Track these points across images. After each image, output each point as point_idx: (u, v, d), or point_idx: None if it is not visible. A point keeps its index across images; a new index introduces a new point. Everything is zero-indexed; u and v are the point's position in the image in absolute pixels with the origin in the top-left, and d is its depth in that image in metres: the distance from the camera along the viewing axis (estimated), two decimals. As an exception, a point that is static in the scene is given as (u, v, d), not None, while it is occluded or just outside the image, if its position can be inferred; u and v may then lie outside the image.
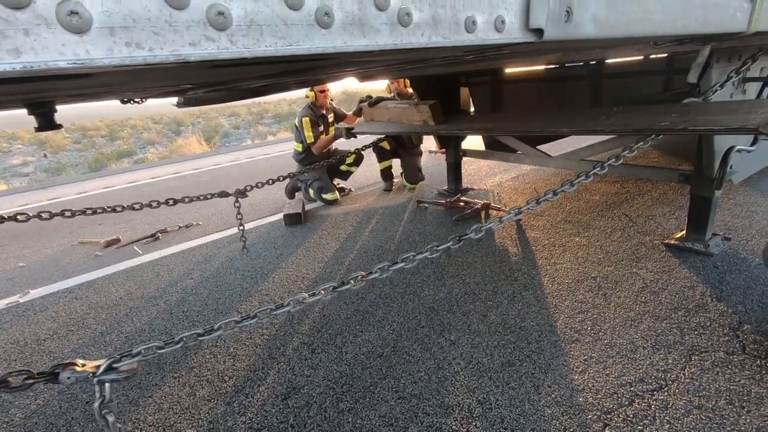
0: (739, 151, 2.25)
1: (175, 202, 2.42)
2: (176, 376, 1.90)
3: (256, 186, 2.81)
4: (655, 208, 3.24)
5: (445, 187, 4.34)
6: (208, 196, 2.59)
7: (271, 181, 2.86)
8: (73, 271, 3.25)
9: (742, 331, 1.81)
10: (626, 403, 1.50)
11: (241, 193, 2.68)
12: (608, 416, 1.46)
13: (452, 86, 3.67)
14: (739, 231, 2.73)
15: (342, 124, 4.26)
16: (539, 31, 0.70)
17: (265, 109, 33.22)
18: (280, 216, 3.98)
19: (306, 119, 4.32)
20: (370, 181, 4.93)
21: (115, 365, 1.17)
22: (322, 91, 4.32)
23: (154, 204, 2.36)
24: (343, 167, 4.58)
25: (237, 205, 2.69)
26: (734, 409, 1.43)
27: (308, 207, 4.31)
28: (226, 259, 3.16)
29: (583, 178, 1.80)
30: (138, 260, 3.34)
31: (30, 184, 9.50)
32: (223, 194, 2.63)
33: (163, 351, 1.27)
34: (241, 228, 2.71)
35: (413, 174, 4.60)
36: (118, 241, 3.79)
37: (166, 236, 3.87)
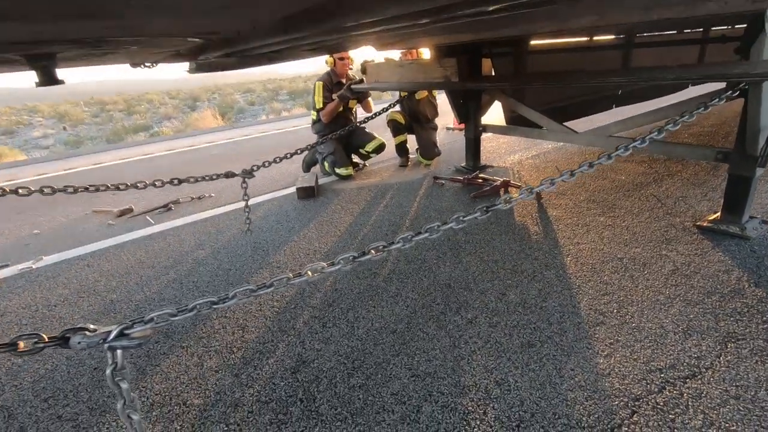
0: (789, 126, 2.06)
1: (180, 181, 2.34)
2: (184, 345, 1.86)
3: (263, 165, 2.71)
4: (686, 190, 3.06)
5: (463, 164, 4.19)
6: (214, 177, 2.50)
7: (278, 159, 2.76)
8: (86, 239, 3.24)
9: (783, 318, 1.68)
10: (656, 390, 1.41)
11: (248, 173, 2.59)
12: (636, 403, 1.36)
13: (474, 56, 3.48)
14: (779, 214, 2.56)
15: (345, 90, 4.09)
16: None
17: (280, 86, 33.01)
18: (293, 189, 3.90)
19: (320, 84, 4.21)
20: (385, 157, 4.80)
21: (126, 331, 1.12)
22: (342, 59, 4.17)
23: (158, 183, 2.29)
24: (363, 151, 4.46)
25: (244, 186, 2.60)
26: (776, 401, 1.32)
27: (322, 181, 4.22)
28: (238, 231, 3.11)
29: (621, 150, 1.67)
30: (150, 230, 3.31)
31: (49, 156, 9.60)
32: (230, 174, 2.54)
33: (176, 318, 1.21)
34: (247, 210, 2.62)
35: (429, 149, 4.46)
36: (130, 210, 3.77)
37: (178, 207, 3.83)
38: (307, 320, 1.96)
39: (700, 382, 1.42)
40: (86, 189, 2.38)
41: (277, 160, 2.78)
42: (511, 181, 3.47)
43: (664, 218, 2.66)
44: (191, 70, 2.96)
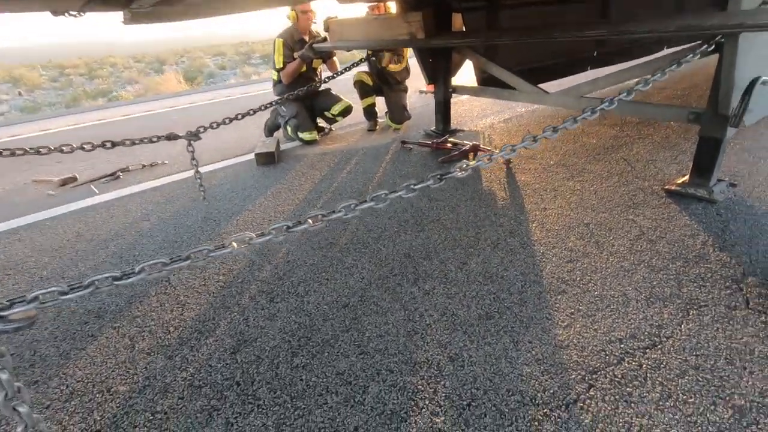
0: (764, 83, 1.96)
1: (114, 144, 2.10)
2: (116, 326, 1.70)
3: (211, 127, 2.47)
4: (657, 152, 2.99)
5: (433, 128, 4.02)
6: (154, 139, 2.26)
7: (228, 120, 2.52)
8: (21, 211, 2.97)
9: (746, 283, 1.63)
10: (614, 361, 1.34)
11: (194, 135, 2.35)
12: (594, 376, 1.29)
13: (441, 10, 3.24)
14: (746, 177, 2.51)
15: (307, 50, 3.79)
16: None
17: (252, 50, 31.42)
18: (253, 155, 3.67)
19: (280, 41, 3.88)
20: (353, 120, 4.57)
21: (2, 313, 0.95)
22: (304, 12, 3.84)
23: (87, 147, 2.04)
24: (328, 114, 4.19)
25: (190, 149, 2.37)
26: (735, 371, 1.27)
27: (285, 146, 3.99)
28: (189, 200, 2.89)
29: (588, 113, 1.53)
30: (93, 200, 3.06)
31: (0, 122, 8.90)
32: (172, 137, 2.30)
33: (67, 297, 1.06)
34: (198, 176, 2.40)
35: (398, 113, 4.26)
36: (74, 179, 3.48)
37: (127, 175, 3.56)
38: (254, 295, 1.82)
39: (660, 352, 1.36)
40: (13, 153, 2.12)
41: (227, 121, 2.55)
42: (481, 146, 3.33)
43: (632, 182, 2.58)
44: (126, 21, 2.64)
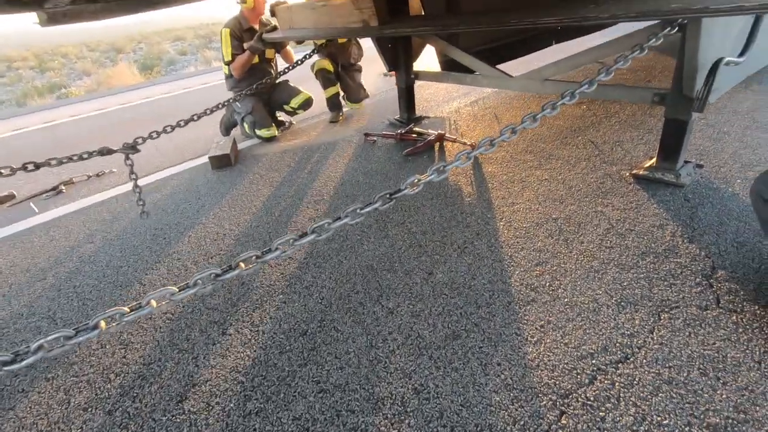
0: (727, 63, 1.89)
1: (37, 166, 1.87)
2: (50, 377, 1.54)
3: (150, 137, 2.25)
4: (623, 133, 2.93)
5: (397, 116, 3.86)
6: (85, 156, 2.04)
7: (169, 128, 2.31)
8: (-49, 238, 2.71)
9: (716, 278, 1.58)
10: (587, 381, 1.26)
11: (131, 148, 2.14)
12: (565, 401, 1.21)
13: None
14: (711, 156, 2.47)
15: (256, 41, 3.54)
16: None
17: (213, 32, 29.98)
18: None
19: (226, 31, 3.60)
20: (314, 111, 4.36)
21: None
22: None
23: (5, 171, 1.81)
24: (288, 107, 3.97)
25: (128, 162, 2.16)
26: (708, 382, 1.21)
27: (243, 145, 3.77)
28: (137, 215, 2.69)
29: (567, 98, 1.43)
30: (32, 220, 2.82)
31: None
32: (106, 151, 2.08)
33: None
34: (137, 190, 2.19)
35: (355, 92, 4.09)
36: (11, 197, 3.21)
37: (71, 188, 3.30)
38: (205, 327, 1.68)
39: (632, 366, 1.29)
40: None
41: (167, 129, 2.33)
42: (447, 134, 3.20)
43: (600, 167, 2.51)
44: (42, 23, 2.37)
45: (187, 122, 2.42)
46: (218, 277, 1.02)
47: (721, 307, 1.46)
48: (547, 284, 1.67)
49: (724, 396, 1.17)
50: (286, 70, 3.55)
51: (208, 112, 2.59)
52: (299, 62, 3.62)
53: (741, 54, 1.97)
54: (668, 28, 1.66)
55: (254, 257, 1.07)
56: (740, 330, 1.36)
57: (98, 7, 2.38)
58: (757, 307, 1.43)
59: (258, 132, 3.70)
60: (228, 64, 3.65)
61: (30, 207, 3.02)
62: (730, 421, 1.11)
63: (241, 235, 2.30)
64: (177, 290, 0.98)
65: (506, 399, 1.24)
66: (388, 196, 1.23)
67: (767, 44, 2.25)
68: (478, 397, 1.26)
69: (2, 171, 1.90)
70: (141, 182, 3.15)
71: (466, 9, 3.59)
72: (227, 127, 4.01)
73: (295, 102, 3.89)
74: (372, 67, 6.11)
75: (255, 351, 1.53)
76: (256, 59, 3.68)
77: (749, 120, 2.89)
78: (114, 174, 3.48)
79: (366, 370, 1.39)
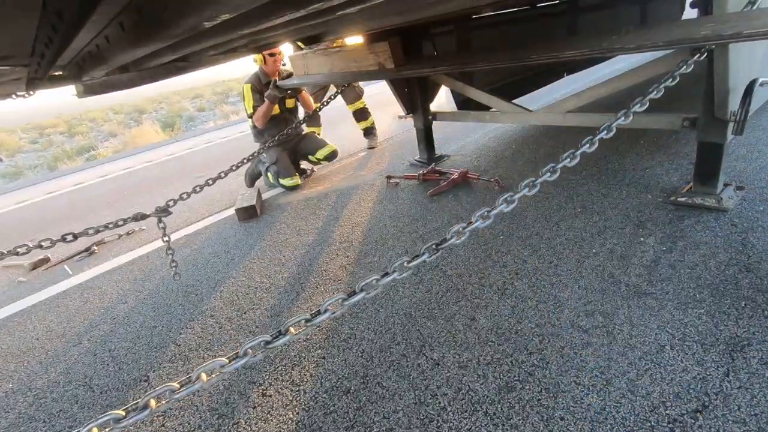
0: (762, 84, 1.84)
1: (75, 237, 1.92)
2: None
3: (181, 198, 2.30)
4: (651, 158, 2.86)
5: (417, 157, 3.88)
6: (120, 223, 2.09)
7: (198, 189, 2.35)
8: (-11, 305, 2.75)
9: (787, 310, 1.47)
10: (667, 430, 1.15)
11: (163, 211, 2.18)
12: (644, 459, 1.10)
13: (409, 38, 3.14)
14: (750, 176, 2.38)
15: (272, 89, 3.66)
16: None
17: (229, 88, 31.52)
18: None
19: (247, 86, 3.77)
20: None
21: None
22: (272, 55, 3.73)
23: (46, 244, 1.84)
24: (313, 158, 4.06)
25: (161, 225, 2.20)
26: (804, 431, 1.09)
27: (267, 195, 3.82)
28: (168, 272, 2.69)
29: (604, 133, 1.41)
30: (66, 283, 2.85)
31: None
32: (140, 217, 2.13)
33: None
34: (170, 252, 2.21)
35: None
36: (47, 261, 3.28)
37: (103, 248, 3.36)
38: (244, 389, 1.62)
39: (712, 415, 1.17)
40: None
41: (197, 189, 2.37)
42: (470, 172, 3.19)
43: (635, 195, 2.43)
44: (80, 95, 2.50)
45: (215, 180, 2.46)
46: (268, 345, 0.98)
47: (800, 343, 1.34)
48: (600, 325, 1.57)
49: (826, 447, 1.05)
50: (314, 113, 3.62)
51: (234, 168, 2.64)
52: (319, 108, 3.68)
53: (772, 73, 1.93)
54: (698, 55, 1.64)
55: (304, 321, 1.02)
56: (827, 368, 1.24)
57: (131, 76, 2.50)
58: (841, 341, 1.30)
59: (282, 181, 3.75)
60: (250, 116, 3.78)
61: (65, 270, 3.07)
62: (840, 478, 0.98)
63: (273, 288, 2.27)
64: (227, 361, 0.94)
65: (577, 459, 1.13)
66: (434, 247, 1.20)
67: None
68: (545, 458, 1.15)
69: (42, 244, 1.94)
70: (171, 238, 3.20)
71: (477, 48, 3.68)
72: (252, 179, 4.09)
73: (320, 153, 3.98)
74: (386, 111, 6.25)
75: (298, 413, 1.46)
76: (276, 109, 3.80)
77: (784, 137, 2.81)
78: (143, 231, 3.55)
79: (418, 431, 1.30)
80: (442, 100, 4.14)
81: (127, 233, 3.53)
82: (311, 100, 4.13)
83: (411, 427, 1.32)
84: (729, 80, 1.87)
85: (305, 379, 1.60)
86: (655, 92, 1.55)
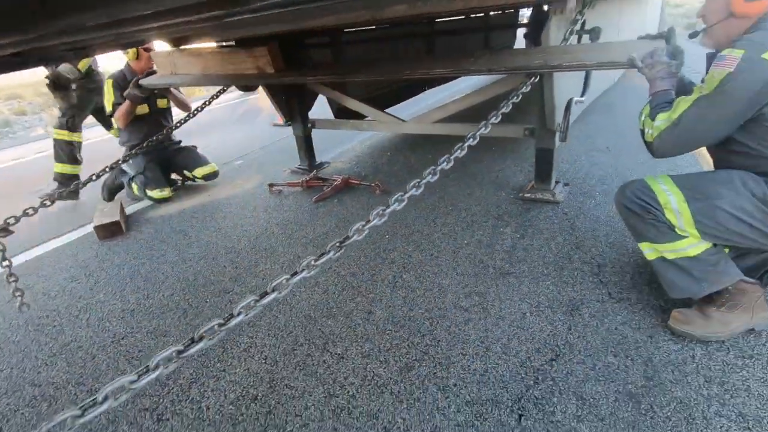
0: (576, 102, 2.36)
1: None
2: None
3: (25, 214, 1.96)
4: (503, 162, 3.39)
5: (298, 165, 3.91)
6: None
7: (49, 202, 2.02)
8: None
9: (604, 274, 1.92)
10: (532, 383, 1.42)
11: (3, 230, 1.83)
12: (520, 405, 1.35)
13: (290, 44, 3.17)
14: (572, 175, 3.00)
15: (132, 88, 3.29)
16: None
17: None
18: (91, 227, 3.05)
19: (109, 81, 3.38)
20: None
21: None
22: (147, 50, 3.35)
23: None
24: (189, 174, 3.68)
25: (0, 248, 1.84)
26: (621, 361, 1.46)
27: (131, 209, 3.43)
28: (9, 305, 2.25)
29: (470, 141, 1.66)
30: None
31: None
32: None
33: None
34: (13, 280, 1.81)
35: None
36: None
37: None
38: (135, 416, 1.48)
39: (563, 361, 1.49)
40: None
41: (47, 203, 2.05)
42: (351, 178, 3.34)
43: (492, 193, 2.86)
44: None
45: (68, 193, 2.15)
46: (181, 354, 0.95)
47: (613, 297, 1.77)
48: (477, 303, 1.84)
49: (634, 370, 1.42)
50: (188, 118, 3.34)
51: (94, 178, 2.34)
52: (199, 109, 3.42)
53: (582, 94, 2.48)
54: (533, 78, 2.04)
55: (175, 352, 0.97)
56: (632, 313, 1.67)
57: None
58: (638, 293, 1.76)
59: (150, 193, 3.40)
60: (110, 115, 3.37)
61: None
62: (643, 388, 1.35)
63: (155, 307, 2.08)
64: (136, 377, 0.89)
65: (470, 416, 1.33)
66: (338, 244, 1.28)
67: (594, 85, 2.87)
68: (445, 420, 1.33)
69: None
70: (20, 259, 2.69)
71: (349, 60, 3.88)
72: (111, 192, 3.61)
73: (200, 172, 3.64)
74: (259, 118, 6.11)
75: (202, 429, 1.39)
76: (145, 108, 3.45)
77: (590, 144, 3.59)
78: (-38, 261, 2.87)
79: (331, 421, 1.37)
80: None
81: (-62, 264, 2.82)
82: (186, 100, 3.79)
83: (324, 419, 1.38)
84: (555, 98, 2.35)
85: (206, 395, 1.53)
86: (505, 107, 1.88)
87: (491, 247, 2.25)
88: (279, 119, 5.49)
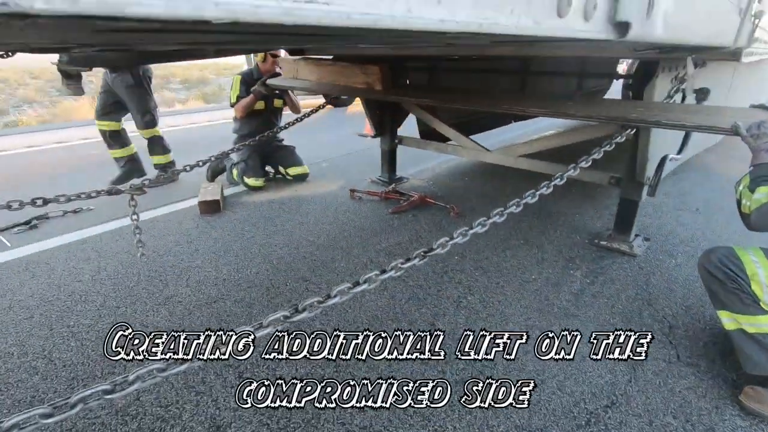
0: (671, 159, 2.34)
1: (46, 201, 1.89)
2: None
3: (159, 179, 2.33)
4: (581, 205, 3.36)
5: (378, 176, 4.14)
6: (93, 194, 2.07)
7: (188, 168, 2.37)
8: None
9: (674, 336, 1.88)
10: (583, 423, 1.46)
11: (138, 190, 2.19)
12: (568, 440, 1.40)
13: (398, 66, 3.42)
14: (654, 231, 2.91)
15: (259, 85, 3.76)
16: (625, 26, 0.51)
17: (171, 73, 29.78)
18: (195, 201, 3.47)
19: (238, 77, 3.88)
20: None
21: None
22: (275, 56, 3.83)
23: (14, 205, 1.80)
24: (283, 171, 4.08)
25: (132, 203, 2.19)
26: (680, 425, 1.45)
27: (228, 192, 3.84)
28: (127, 255, 2.66)
29: (558, 180, 1.73)
30: (6, 255, 2.68)
31: None
32: (114, 192, 2.14)
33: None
34: (138, 232, 2.17)
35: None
36: (-24, 229, 3.03)
37: (46, 224, 3.19)
38: (221, 370, 1.71)
39: (618, 411, 1.51)
40: None
41: (187, 169, 2.39)
42: (427, 197, 3.49)
43: (566, 235, 2.87)
44: (60, 65, 2.45)
45: (192, 167, 2.49)
46: (288, 319, 1.14)
47: (681, 361, 1.74)
48: (537, 338, 1.89)
49: (693, 435, 1.41)
50: (297, 121, 3.70)
51: (200, 164, 2.69)
52: (306, 115, 3.77)
53: (679, 152, 2.44)
54: (629, 130, 2.07)
55: (315, 302, 1.18)
56: (700, 380, 1.64)
57: (114, 57, 2.51)
58: (709, 362, 1.72)
59: (247, 180, 3.80)
60: (232, 105, 3.85)
61: (1, 240, 2.88)
62: (701, 456, 1.34)
63: (243, 281, 2.36)
64: (252, 330, 1.09)
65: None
66: (422, 253, 1.43)
67: (695, 139, 2.79)
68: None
69: (11, 205, 1.89)
70: (120, 223, 3.14)
71: (444, 86, 4.07)
72: (214, 173, 4.08)
73: (293, 171, 4.04)
74: (342, 127, 6.49)
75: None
76: (262, 105, 3.88)
77: (680, 202, 3.45)
78: (91, 211, 3.41)
79: (388, 412, 1.50)
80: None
81: (74, 211, 3.37)
82: (299, 103, 4.21)
83: (376, 414, 1.52)
84: (648, 152, 2.34)
85: (281, 365, 1.73)
86: (597, 153, 1.94)
87: (559, 287, 2.27)
88: (366, 130, 5.81)
